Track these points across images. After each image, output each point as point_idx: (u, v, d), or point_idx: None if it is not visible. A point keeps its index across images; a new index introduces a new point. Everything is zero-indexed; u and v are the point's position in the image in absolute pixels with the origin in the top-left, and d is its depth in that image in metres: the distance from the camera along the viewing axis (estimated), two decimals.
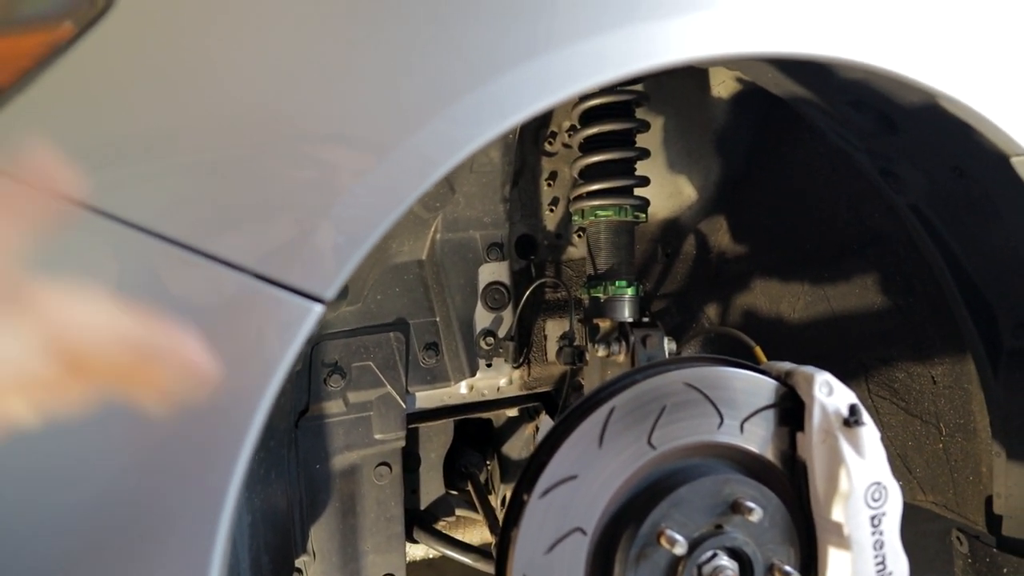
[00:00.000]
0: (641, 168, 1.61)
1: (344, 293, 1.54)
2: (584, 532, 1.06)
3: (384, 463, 1.70)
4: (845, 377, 1.15)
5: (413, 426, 1.82)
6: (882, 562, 1.11)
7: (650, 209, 1.70)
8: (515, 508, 1.05)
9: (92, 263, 0.77)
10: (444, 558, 1.93)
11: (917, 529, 2.47)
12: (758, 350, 1.34)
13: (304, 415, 1.60)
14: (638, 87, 1.57)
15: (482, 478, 2.01)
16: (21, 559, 0.76)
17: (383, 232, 0.83)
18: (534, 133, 1.76)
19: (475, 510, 1.94)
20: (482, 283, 1.69)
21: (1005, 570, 1.48)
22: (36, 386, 0.62)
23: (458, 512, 1.98)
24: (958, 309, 1.49)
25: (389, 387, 1.63)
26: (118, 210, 0.75)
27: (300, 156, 0.83)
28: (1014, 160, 1.20)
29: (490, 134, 0.89)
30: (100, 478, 0.77)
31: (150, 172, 0.78)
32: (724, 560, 1.09)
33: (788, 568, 1.11)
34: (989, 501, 1.54)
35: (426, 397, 1.78)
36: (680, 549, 1.04)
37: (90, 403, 0.68)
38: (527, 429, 2.03)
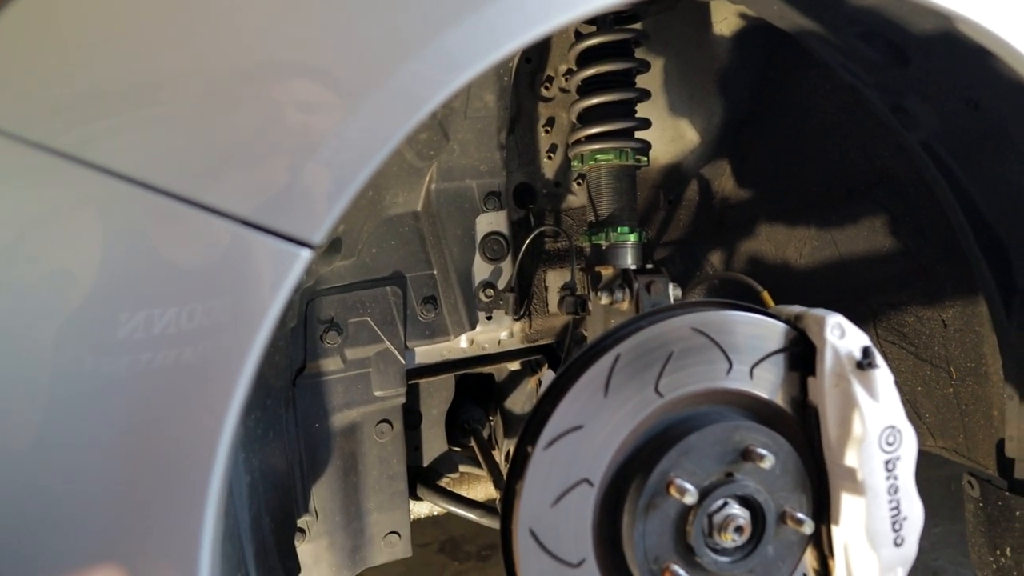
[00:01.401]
0: (641, 111, 1.56)
1: (338, 247, 1.50)
2: (591, 483, 1.03)
3: (385, 420, 1.67)
4: (854, 323, 1.11)
5: (413, 382, 1.78)
6: (896, 507, 1.08)
7: (651, 154, 1.65)
8: (519, 460, 1.02)
9: (77, 214, 0.74)
10: (449, 515, 1.91)
11: (922, 476, 2.46)
12: (766, 295, 1.30)
13: (301, 373, 1.57)
14: (637, 25, 1.51)
15: (485, 433, 1.98)
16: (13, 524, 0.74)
17: (370, 174, 0.79)
18: (529, 77, 1.71)
19: (478, 466, 1.92)
20: (480, 234, 1.65)
21: (1017, 513, 1.46)
22: None
23: (461, 468, 1.96)
24: (971, 250, 1.45)
25: (387, 342, 1.60)
26: (101, 160, 0.72)
27: (281, 98, 0.79)
28: None
29: (481, 65, 0.84)
30: (89, 436, 0.74)
31: (132, 121, 0.74)
32: (735, 508, 1.06)
33: (800, 515, 1.08)
34: (1001, 445, 1.52)
35: (425, 352, 1.74)
36: (690, 498, 1.01)
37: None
38: (529, 383, 1.99)
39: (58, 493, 0.75)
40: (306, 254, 0.76)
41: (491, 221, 1.65)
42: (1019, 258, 1.41)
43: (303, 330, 1.54)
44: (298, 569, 1.52)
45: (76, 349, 0.72)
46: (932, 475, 2.14)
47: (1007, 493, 1.49)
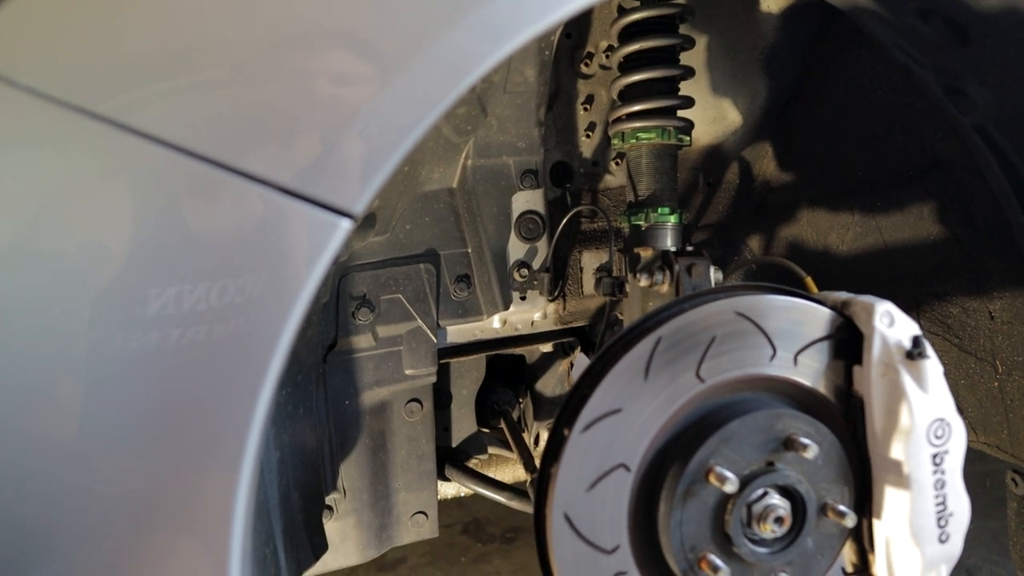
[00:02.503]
0: (683, 90, 1.52)
1: (372, 222, 1.48)
2: (628, 468, 1.00)
3: (415, 399, 1.66)
4: None
5: (444, 361, 1.77)
6: (943, 502, 1.05)
7: (692, 134, 1.61)
8: (555, 443, 1.00)
9: (115, 181, 0.72)
10: (474, 497, 1.90)
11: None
12: (809, 280, 1.26)
13: (332, 349, 1.56)
14: (681, 0, 1.47)
15: (515, 415, 1.96)
16: (51, 495, 0.73)
17: (412, 145, 0.77)
18: (569, 53, 1.67)
19: (507, 448, 1.90)
20: (516, 212, 1.62)
21: None
22: None
23: (490, 450, 1.95)
24: (1023, 239, 1.40)
25: (419, 321, 1.58)
26: (143, 126, 0.71)
27: (323, 67, 0.77)
28: None
29: (525, 35, 0.81)
30: (129, 415, 0.74)
31: (174, 88, 0.73)
32: (775, 499, 1.03)
33: (842, 507, 1.05)
34: None
35: (457, 331, 1.72)
36: (730, 487, 0.98)
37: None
38: (561, 365, 1.97)
39: (92, 467, 0.74)
40: (346, 224, 0.74)
41: (527, 199, 1.62)
42: None
43: (335, 306, 1.53)
44: (325, 546, 1.52)
45: (106, 324, 0.71)
46: (968, 470, 2.09)
47: None
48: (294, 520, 1.40)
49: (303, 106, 0.75)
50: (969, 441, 1.70)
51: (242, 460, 0.77)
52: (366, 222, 1.46)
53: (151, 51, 0.72)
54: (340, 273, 1.52)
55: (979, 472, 1.73)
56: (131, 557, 0.76)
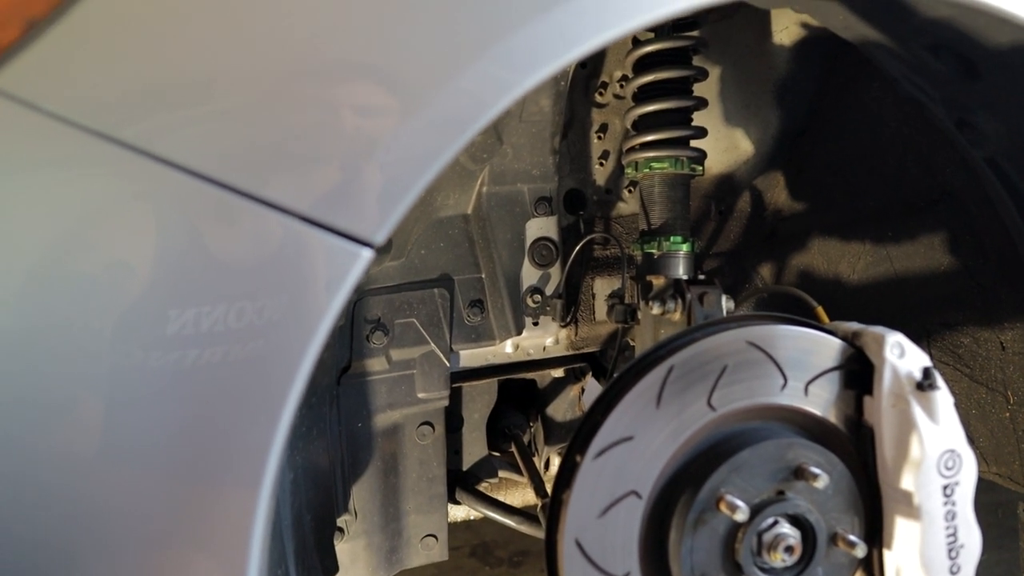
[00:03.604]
0: (696, 120, 1.54)
1: (387, 247, 1.50)
2: (639, 496, 1.01)
3: (427, 422, 1.67)
4: None
5: (456, 385, 1.78)
6: (954, 534, 1.05)
7: (705, 163, 1.63)
8: (568, 469, 1.01)
9: (135, 206, 0.74)
10: (482, 520, 1.90)
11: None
12: (820, 310, 1.27)
13: (346, 372, 1.57)
14: (695, 32, 1.49)
15: (525, 439, 1.97)
16: (71, 512, 0.74)
17: (433, 175, 0.79)
18: (584, 83, 1.69)
19: (518, 472, 1.91)
20: (529, 239, 1.64)
21: None
22: None
23: (501, 473, 1.95)
24: None
25: (433, 345, 1.59)
26: (165, 153, 0.72)
27: (346, 97, 0.79)
28: None
29: (546, 71, 0.83)
30: (148, 433, 0.75)
31: (197, 116, 0.75)
32: (786, 528, 1.04)
33: (852, 537, 1.06)
34: None
35: (470, 356, 1.74)
36: (741, 516, 0.99)
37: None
38: (572, 390, 1.98)
39: (110, 485, 0.75)
40: (367, 254, 0.76)
41: (541, 226, 1.64)
42: None
43: (350, 329, 1.54)
44: (336, 568, 1.53)
45: (127, 343, 0.73)
46: (979, 500, 2.08)
47: None
48: (306, 541, 1.40)
49: (326, 136, 0.77)
50: (980, 471, 1.70)
51: (261, 482, 0.78)
52: (382, 247, 1.48)
53: (174, 78, 0.74)
54: (355, 297, 1.54)
55: (991, 502, 1.73)
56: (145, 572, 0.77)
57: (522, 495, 2.05)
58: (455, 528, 3.48)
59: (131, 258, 0.74)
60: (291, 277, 0.75)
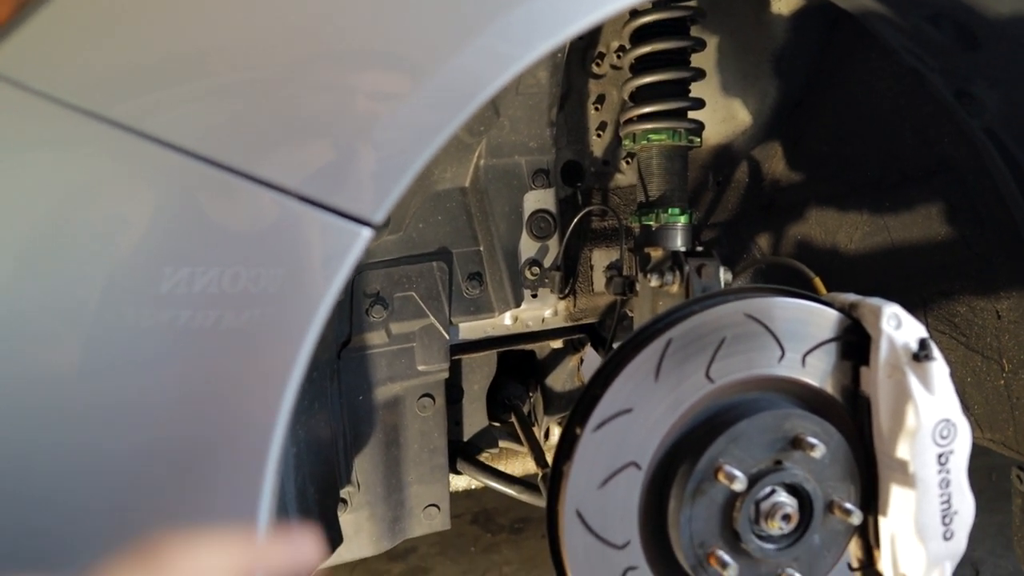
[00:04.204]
0: (693, 91, 1.53)
1: (385, 222, 1.50)
2: (639, 467, 1.03)
3: (427, 395, 1.68)
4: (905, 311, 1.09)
5: (456, 357, 1.79)
6: (947, 501, 1.07)
7: (702, 135, 1.62)
8: (568, 441, 1.02)
9: (136, 187, 0.74)
10: (483, 488, 1.93)
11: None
12: (818, 281, 1.28)
13: (346, 346, 1.58)
14: (693, 3, 1.48)
15: (525, 410, 1.99)
16: (80, 492, 0.75)
17: (432, 154, 0.79)
18: (581, 54, 1.68)
19: (518, 441, 1.93)
20: (527, 211, 1.64)
21: None
22: None
23: (501, 444, 1.97)
24: None
25: (432, 318, 1.60)
26: (161, 133, 0.72)
27: (347, 76, 0.79)
28: None
29: (543, 48, 0.83)
30: (153, 411, 0.75)
31: (193, 94, 0.75)
32: (783, 496, 1.05)
33: (849, 505, 1.08)
34: None
35: (469, 328, 1.75)
36: (739, 485, 1.00)
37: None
38: (571, 361, 1.99)
39: (109, 449, 0.75)
40: (366, 233, 0.76)
41: (539, 199, 1.64)
42: None
43: (349, 304, 1.55)
44: (340, 538, 1.55)
45: (119, 302, 0.73)
46: (973, 464, 2.11)
47: None
48: (310, 513, 1.42)
49: (324, 115, 0.77)
50: (975, 438, 1.72)
51: (267, 456, 0.79)
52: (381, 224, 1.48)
53: (160, 55, 0.74)
54: (354, 271, 1.54)
55: (984, 466, 1.75)
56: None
57: (523, 464, 2.07)
58: (457, 496, 3.52)
59: (123, 225, 0.73)
60: (289, 255, 0.75)
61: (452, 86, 0.79)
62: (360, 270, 1.56)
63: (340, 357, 1.58)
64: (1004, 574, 2.68)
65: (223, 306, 0.75)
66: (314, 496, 1.43)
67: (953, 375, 1.74)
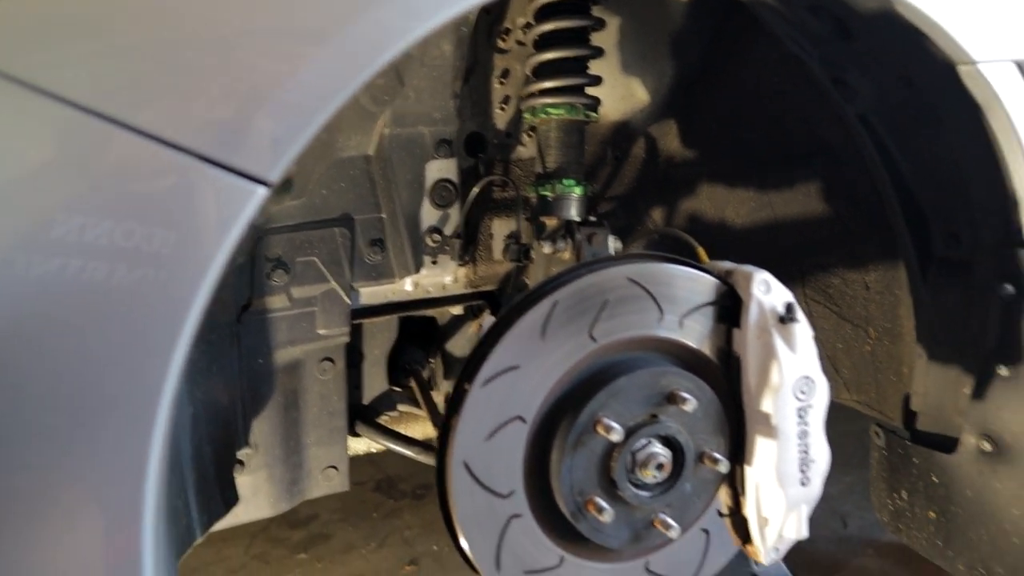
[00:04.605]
0: (594, 68, 1.59)
1: (288, 186, 1.51)
2: (524, 420, 1.09)
3: (327, 358, 1.70)
4: (784, 282, 1.18)
5: (357, 322, 1.81)
6: (805, 451, 1.17)
7: (601, 111, 1.68)
8: (457, 396, 1.07)
9: (31, 142, 0.74)
10: (386, 454, 1.95)
11: (840, 429, 2.60)
12: (701, 250, 1.36)
13: (247, 309, 1.59)
14: None
15: (425, 375, 2.03)
16: None
17: (329, 116, 0.81)
18: (487, 28, 1.72)
19: (418, 406, 1.97)
20: (429, 180, 1.67)
21: (915, 460, 1.58)
22: None
23: (400, 408, 2.01)
24: (895, 218, 1.53)
25: (333, 282, 1.62)
26: (57, 88, 0.73)
27: (244, 36, 0.80)
28: (960, 68, 1.22)
29: (442, 17, 0.87)
30: (37, 362, 0.75)
31: (90, 51, 0.75)
32: (657, 447, 1.13)
33: (717, 455, 1.16)
34: (907, 400, 1.62)
35: (370, 293, 1.77)
36: (616, 436, 1.08)
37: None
38: (471, 327, 2.04)
39: None
40: (261, 191, 0.78)
41: (441, 168, 1.67)
42: (937, 227, 1.50)
43: (250, 267, 1.55)
44: (236, 499, 1.56)
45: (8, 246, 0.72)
46: (848, 428, 2.27)
47: (908, 443, 1.60)
48: (206, 473, 1.43)
49: (222, 73, 0.78)
50: (843, 398, 1.86)
51: (155, 416, 0.79)
52: (283, 186, 1.49)
53: (59, 12, 0.74)
54: (256, 235, 1.55)
55: (858, 430, 1.88)
56: (37, 506, 0.76)
57: (422, 429, 2.12)
58: (359, 464, 3.54)
59: (16, 168, 0.74)
60: (183, 211, 0.76)
61: (350, 51, 0.82)
62: (262, 234, 1.56)
63: (240, 320, 1.58)
64: (869, 524, 2.88)
65: (115, 260, 0.75)
66: (211, 456, 1.44)
67: (826, 342, 1.88)
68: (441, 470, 1.09)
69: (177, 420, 1.26)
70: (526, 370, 1.08)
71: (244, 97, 0.78)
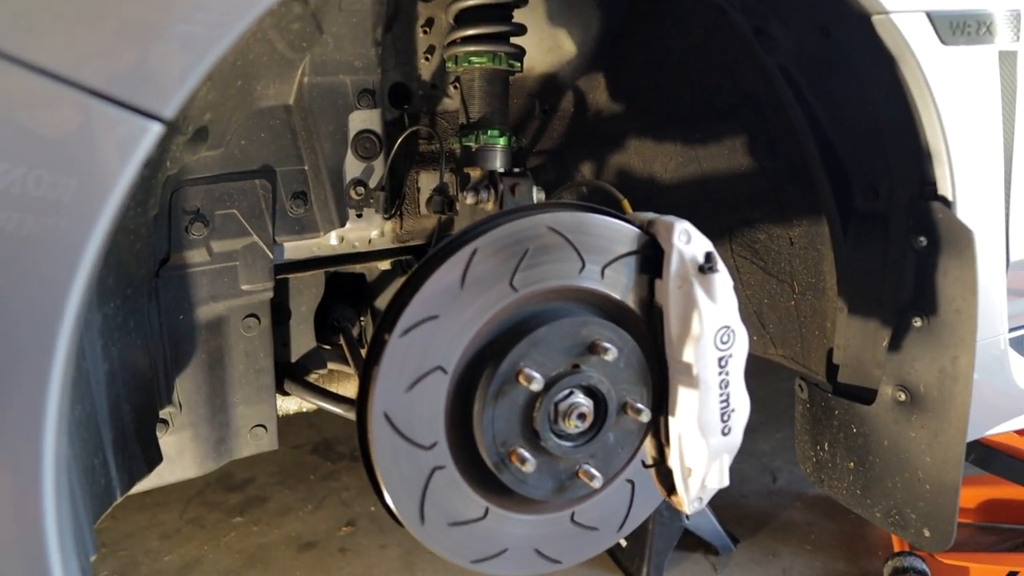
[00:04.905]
0: (520, 18, 1.57)
1: (204, 135, 1.46)
2: (445, 371, 1.07)
3: (252, 315, 1.67)
4: (711, 237, 1.18)
5: (282, 277, 1.78)
6: (727, 400, 1.18)
7: (528, 63, 1.66)
8: (376, 347, 1.06)
9: None
10: (322, 416, 1.94)
11: (773, 387, 2.67)
12: (626, 203, 1.37)
13: (165, 264, 1.54)
14: None
15: (355, 332, 2.01)
16: None
17: (224, 49, 0.78)
18: None
19: (347, 364, 1.95)
20: (352, 131, 1.63)
21: (837, 412, 1.62)
22: None
23: (330, 365, 1.99)
24: (816, 172, 1.55)
25: (255, 236, 1.58)
26: None
27: None
28: (875, 19, 1.23)
29: None
30: None
31: None
32: (580, 398, 1.13)
33: (640, 405, 1.17)
34: (830, 353, 1.66)
35: (295, 248, 1.74)
36: (537, 386, 1.07)
37: None
38: (399, 283, 2.02)
39: None
40: (156, 128, 0.75)
41: (364, 119, 1.64)
42: (857, 181, 1.52)
43: (167, 220, 1.50)
44: (159, 458, 1.53)
45: None
46: (782, 387, 2.33)
47: (830, 395, 1.64)
48: (125, 432, 1.40)
49: (111, 3, 0.75)
50: (769, 353, 1.89)
51: (51, 366, 0.76)
52: (198, 135, 1.44)
53: None
54: (172, 187, 1.49)
55: (791, 387, 1.92)
56: None
57: (352, 387, 2.10)
58: (296, 426, 3.52)
59: None
60: (76, 147, 0.73)
61: None
62: (179, 186, 1.51)
63: (159, 275, 1.54)
64: (798, 479, 2.98)
65: (24, 210, 0.72)
66: (130, 414, 1.40)
67: (752, 297, 1.90)
68: (362, 422, 1.07)
69: (91, 376, 1.22)
70: (446, 320, 1.06)
71: (134, 29, 0.74)
